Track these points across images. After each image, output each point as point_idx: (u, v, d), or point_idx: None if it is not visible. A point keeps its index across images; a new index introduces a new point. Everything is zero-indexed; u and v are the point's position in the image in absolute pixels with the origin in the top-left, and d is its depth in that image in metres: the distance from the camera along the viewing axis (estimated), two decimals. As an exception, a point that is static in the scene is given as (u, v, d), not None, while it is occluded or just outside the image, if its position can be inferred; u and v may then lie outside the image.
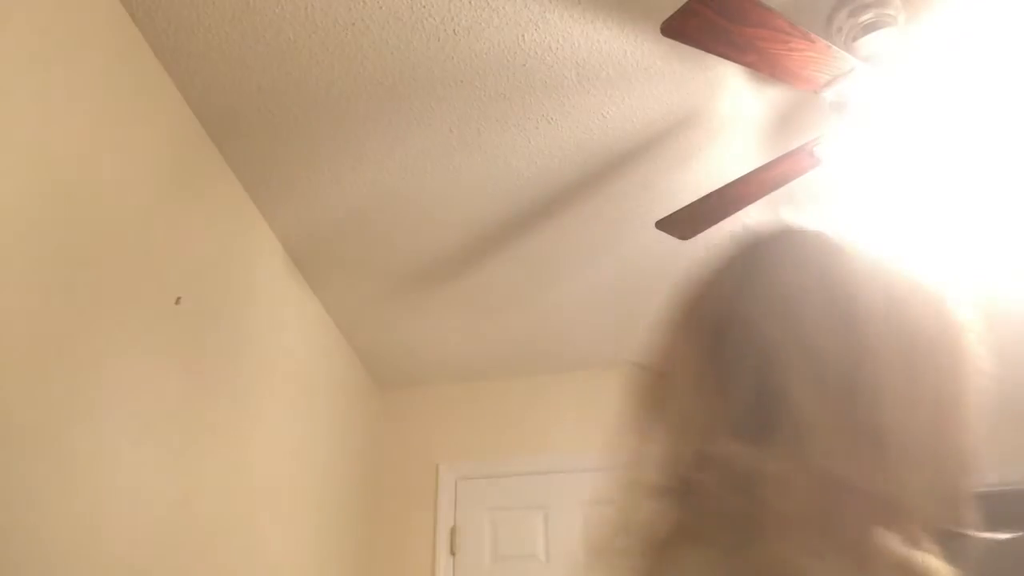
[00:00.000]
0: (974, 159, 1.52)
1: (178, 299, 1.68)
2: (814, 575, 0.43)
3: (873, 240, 0.58)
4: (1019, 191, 1.85)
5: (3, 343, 1.18)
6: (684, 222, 1.89)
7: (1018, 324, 2.39)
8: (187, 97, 1.77)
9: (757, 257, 0.58)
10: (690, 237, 1.94)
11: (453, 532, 2.91)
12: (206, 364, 1.81)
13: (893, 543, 0.44)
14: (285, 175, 2.04)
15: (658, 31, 1.38)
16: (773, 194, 1.81)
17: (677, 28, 1.33)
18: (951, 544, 0.47)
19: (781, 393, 0.49)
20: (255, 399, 2.06)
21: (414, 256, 2.40)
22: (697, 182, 2.12)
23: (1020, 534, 0.51)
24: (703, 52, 1.41)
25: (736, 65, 1.66)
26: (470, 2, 1.58)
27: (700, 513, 0.50)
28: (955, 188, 1.55)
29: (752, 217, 0.61)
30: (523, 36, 1.66)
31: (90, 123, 1.43)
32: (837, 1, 1.61)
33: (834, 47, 1.38)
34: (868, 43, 1.57)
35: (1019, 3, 1.44)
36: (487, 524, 2.93)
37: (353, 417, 2.90)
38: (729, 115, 1.91)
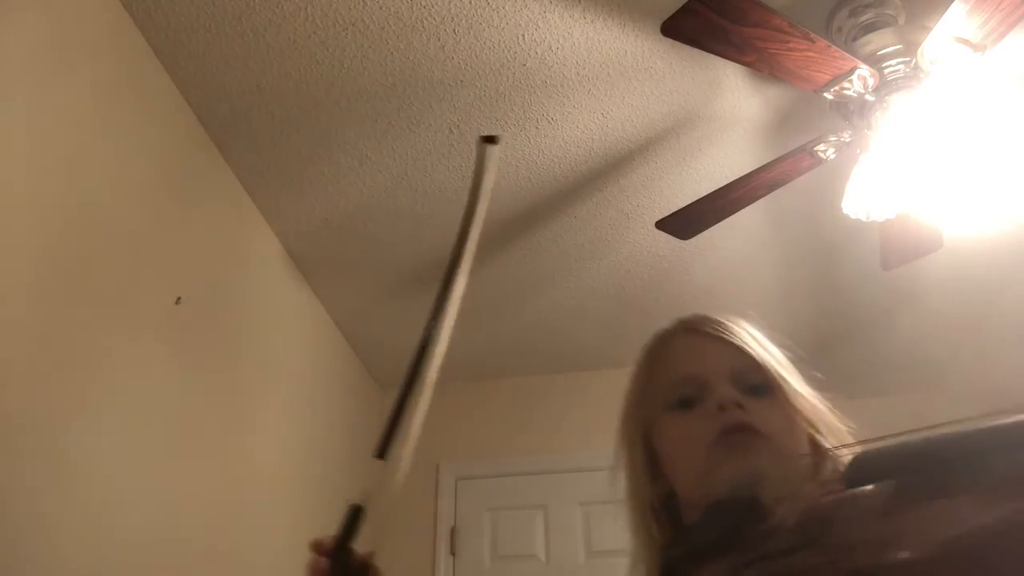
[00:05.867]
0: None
1: (178, 299, 1.68)
2: None
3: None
4: None
5: (3, 343, 1.18)
6: (684, 222, 1.89)
7: None
8: (187, 97, 1.77)
9: None
10: (690, 237, 1.94)
11: (453, 532, 2.91)
12: (206, 364, 1.81)
13: None
14: (285, 175, 2.04)
15: (658, 31, 1.38)
16: (773, 194, 1.82)
17: (677, 28, 1.33)
18: None
19: None
20: (255, 399, 2.06)
21: (414, 256, 2.40)
22: (697, 182, 2.12)
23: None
24: (703, 52, 1.41)
25: (736, 65, 1.66)
26: (470, 2, 1.58)
27: None
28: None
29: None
30: (523, 36, 1.66)
31: (90, 123, 1.43)
32: (837, 1, 1.61)
33: (834, 47, 1.38)
34: (868, 43, 1.57)
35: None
36: (487, 524, 2.92)
37: (353, 417, 2.90)
38: (729, 115, 1.91)
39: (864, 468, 0.53)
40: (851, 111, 1.59)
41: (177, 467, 1.65)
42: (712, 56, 1.45)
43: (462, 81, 1.76)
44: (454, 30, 1.64)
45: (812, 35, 1.34)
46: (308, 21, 1.60)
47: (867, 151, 1.61)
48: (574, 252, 2.42)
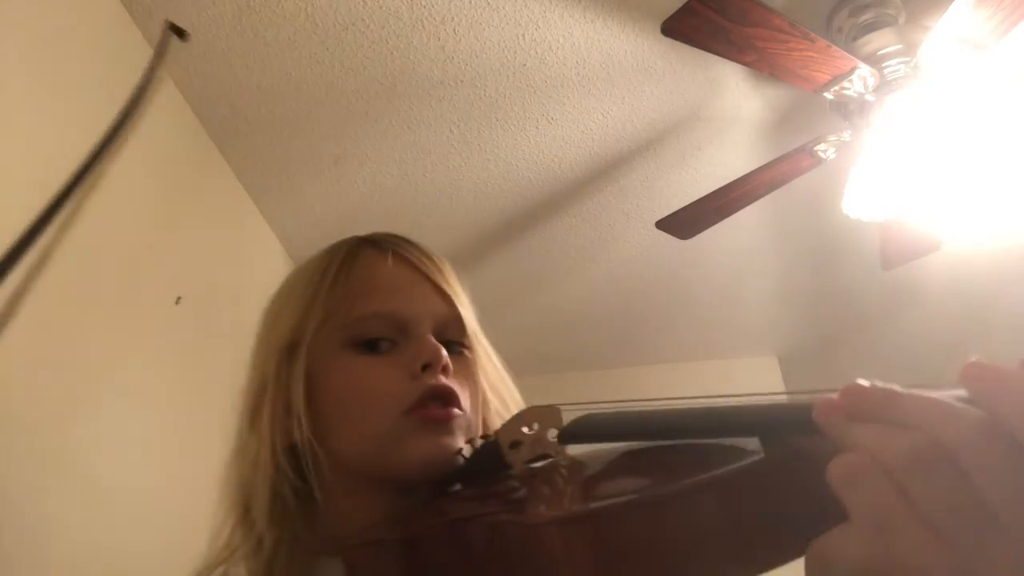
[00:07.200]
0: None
1: (178, 299, 1.68)
2: None
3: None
4: None
5: (2, 342, 1.18)
6: (684, 222, 1.89)
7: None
8: (187, 97, 1.77)
9: None
10: (690, 237, 1.94)
11: (453, 532, 2.91)
12: (206, 364, 1.81)
13: None
14: (285, 175, 2.04)
15: (658, 31, 1.38)
16: (773, 194, 1.82)
17: (677, 28, 1.33)
18: None
19: None
20: (255, 399, 2.06)
21: (414, 256, 2.40)
22: (697, 182, 2.12)
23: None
24: (703, 52, 1.41)
25: (736, 65, 1.66)
26: (470, 1, 1.58)
27: None
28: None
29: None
30: (523, 35, 1.66)
31: (89, 123, 1.43)
32: (837, 1, 1.62)
33: (834, 47, 1.38)
34: (868, 43, 1.57)
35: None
36: (487, 524, 2.92)
37: (353, 417, 2.89)
38: (729, 115, 1.91)
39: (580, 431, 0.51)
40: (851, 111, 1.59)
41: (177, 467, 1.65)
42: (712, 56, 1.45)
43: (462, 81, 1.76)
44: (454, 30, 1.64)
45: (812, 35, 1.34)
46: (308, 21, 1.60)
47: (867, 151, 1.61)
48: (574, 252, 2.42)
